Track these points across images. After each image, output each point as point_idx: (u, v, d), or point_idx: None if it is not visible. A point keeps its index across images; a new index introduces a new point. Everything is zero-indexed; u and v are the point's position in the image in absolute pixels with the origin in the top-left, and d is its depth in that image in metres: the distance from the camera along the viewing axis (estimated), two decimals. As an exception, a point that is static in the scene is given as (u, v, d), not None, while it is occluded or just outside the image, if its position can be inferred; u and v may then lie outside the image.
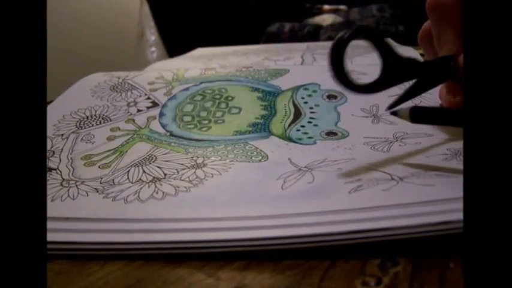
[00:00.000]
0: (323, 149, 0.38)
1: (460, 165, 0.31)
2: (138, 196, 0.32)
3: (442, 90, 0.40)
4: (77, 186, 0.34)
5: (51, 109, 0.45)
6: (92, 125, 0.43)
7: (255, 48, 0.78)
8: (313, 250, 0.27)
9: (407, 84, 0.36)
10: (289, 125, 0.42)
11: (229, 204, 0.31)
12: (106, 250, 0.28)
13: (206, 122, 0.43)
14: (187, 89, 0.48)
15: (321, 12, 1.64)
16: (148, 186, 0.33)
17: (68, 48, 1.10)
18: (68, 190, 0.34)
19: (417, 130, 0.39)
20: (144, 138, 0.41)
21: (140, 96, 0.47)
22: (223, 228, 0.28)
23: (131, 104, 0.46)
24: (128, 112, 0.45)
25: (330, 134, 0.40)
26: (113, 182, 0.35)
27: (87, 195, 0.33)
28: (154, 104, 0.46)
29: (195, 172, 0.35)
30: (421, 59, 0.45)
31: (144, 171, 0.36)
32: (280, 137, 0.40)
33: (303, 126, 0.41)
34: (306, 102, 0.44)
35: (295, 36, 1.39)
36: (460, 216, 0.22)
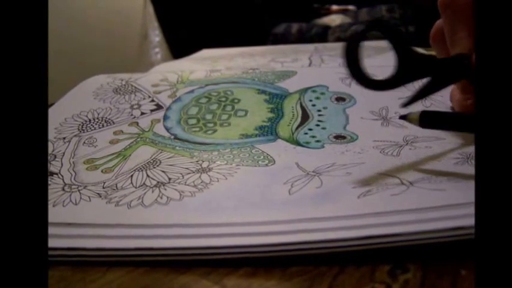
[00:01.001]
0: (331, 153, 0.37)
1: (472, 170, 0.31)
2: (142, 201, 0.32)
3: (454, 91, 0.40)
4: (79, 191, 0.33)
5: (52, 112, 0.45)
6: (95, 128, 0.42)
7: (262, 49, 0.78)
8: (321, 256, 0.26)
9: (416, 86, 0.35)
10: (296, 128, 0.41)
11: (235, 210, 0.30)
12: (109, 256, 0.27)
13: (211, 125, 0.42)
14: (192, 91, 0.47)
15: (329, 12, 1.63)
16: (152, 191, 0.33)
17: (70, 49, 1.10)
18: (70, 195, 0.33)
19: (428, 133, 0.38)
20: (147, 142, 0.40)
21: (144, 98, 0.47)
22: (229, 234, 0.27)
23: (135, 106, 0.45)
24: (132, 115, 0.44)
25: (339, 137, 0.39)
26: (116, 186, 0.34)
27: (90, 200, 0.32)
28: (159, 107, 0.45)
29: (200, 177, 0.34)
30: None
31: (148, 176, 0.35)
32: (287, 140, 0.39)
33: (310, 130, 0.41)
34: (314, 105, 0.44)
35: (302, 37, 1.38)
36: (472, 222, 0.22)
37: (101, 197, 0.33)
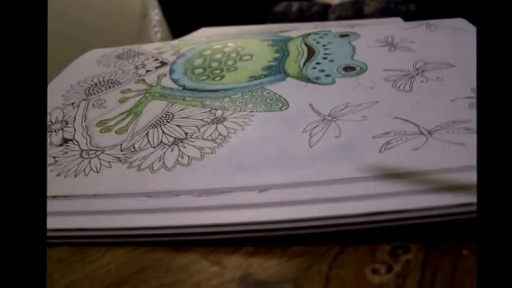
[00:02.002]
0: (343, 90, 0.36)
1: None
2: (164, 163, 0.31)
3: None
4: (97, 156, 0.33)
5: (57, 82, 0.44)
6: (102, 90, 0.42)
7: (262, 28, 0.77)
8: (322, 236, 0.26)
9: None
10: (304, 64, 0.40)
11: (257, 169, 0.29)
12: (111, 237, 0.27)
13: (218, 71, 0.42)
14: (194, 48, 0.47)
15: (329, -9, 1.62)
16: (172, 150, 0.32)
17: (70, 28, 1.09)
18: (90, 162, 0.33)
19: (437, 59, 0.37)
20: (157, 96, 0.39)
21: (148, 59, 0.46)
22: (246, 204, 0.27)
23: (139, 66, 0.45)
24: (137, 74, 0.44)
25: (348, 69, 0.39)
26: (134, 147, 0.33)
27: (111, 166, 0.32)
28: (163, 63, 0.45)
29: (216, 128, 0.34)
30: None
31: (163, 132, 0.34)
32: (297, 77, 0.39)
33: (318, 64, 0.40)
34: (318, 42, 0.43)
35: (302, 16, 1.37)
36: None
37: (120, 161, 0.32)
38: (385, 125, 0.31)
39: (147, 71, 0.44)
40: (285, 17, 1.20)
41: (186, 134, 0.34)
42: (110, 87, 0.42)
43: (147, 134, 0.35)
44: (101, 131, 0.36)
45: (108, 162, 0.32)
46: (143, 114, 0.37)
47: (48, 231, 0.27)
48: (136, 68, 0.45)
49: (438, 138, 0.29)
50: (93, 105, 0.40)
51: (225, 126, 0.34)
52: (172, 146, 0.33)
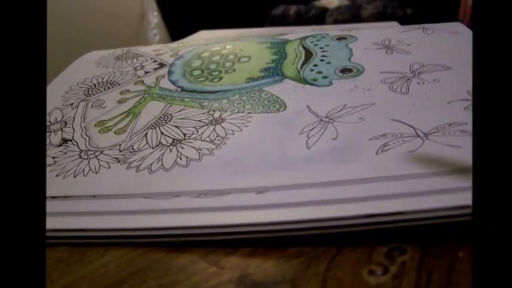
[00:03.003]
0: (340, 92, 0.36)
1: None
2: (162, 164, 0.31)
3: None
4: (96, 157, 0.33)
5: (56, 83, 0.45)
6: (101, 91, 0.42)
7: (260, 31, 0.77)
8: (319, 237, 0.26)
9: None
10: (301, 66, 0.41)
11: (257, 170, 0.29)
12: (110, 237, 0.28)
13: (216, 73, 0.42)
14: (193, 49, 0.48)
15: (327, -6, 1.62)
16: (170, 151, 0.32)
17: (68, 30, 1.09)
18: (89, 162, 0.33)
19: (433, 61, 0.38)
20: (155, 97, 0.40)
21: (146, 60, 0.46)
22: (246, 206, 0.27)
23: (138, 68, 0.45)
24: (136, 75, 0.44)
25: (345, 71, 0.39)
26: (133, 148, 0.34)
27: (109, 166, 0.32)
28: (162, 65, 0.45)
29: (214, 129, 0.34)
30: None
31: (162, 133, 0.35)
32: (294, 79, 0.39)
33: (316, 66, 0.40)
34: (315, 45, 0.43)
35: (300, 19, 1.37)
36: None
37: (119, 162, 0.32)
38: (381, 127, 0.31)
39: (146, 72, 0.44)
40: (283, 20, 1.20)
41: (185, 135, 0.34)
42: (108, 88, 0.43)
43: (146, 134, 0.35)
44: (99, 131, 0.36)
45: (107, 162, 0.33)
46: (142, 114, 0.38)
47: (48, 232, 0.27)
48: (135, 69, 0.45)
49: (434, 140, 0.29)
50: (92, 105, 0.40)
51: (223, 128, 0.34)
52: (171, 147, 0.33)
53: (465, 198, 0.24)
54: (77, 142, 0.35)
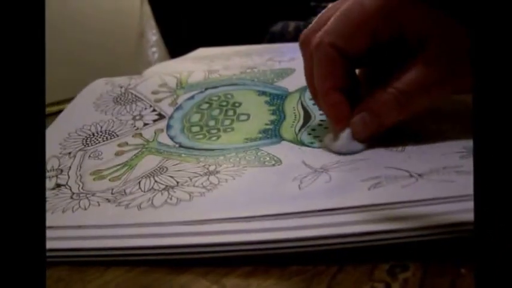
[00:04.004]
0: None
1: None
2: (152, 203, 0.32)
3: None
4: (87, 198, 0.34)
5: (55, 127, 0.45)
6: (99, 142, 0.42)
7: (259, 48, 0.77)
8: (320, 255, 0.26)
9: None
10: (300, 129, 0.41)
11: (247, 205, 0.30)
12: (111, 256, 0.28)
13: (215, 131, 0.42)
14: (192, 97, 0.47)
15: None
16: (162, 194, 0.33)
17: (67, 48, 1.09)
18: (79, 202, 0.33)
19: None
20: (153, 151, 0.40)
21: (145, 108, 0.47)
22: (233, 230, 0.28)
23: (137, 117, 0.45)
24: (135, 126, 0.44)
25: None
26: (125, 192, 0.34)
27: (99, 205, 0.33)
28: (161, 116, 0.45)
29: (208, 178, 0.34)
30: None
31: (155, 181, 0.35)
32: (292, 141, 0.39)
33: (313, 130, 0.41)
34: (314, 104, 0.44)
35: (299, 36, 1.37)
36: None
37: (109, 201, 0.33)
38: (376, 171, 0.31)
39: (145, 124, 0.44)
40: (282, 37, 1.20)
41: (178, 182, 0.34)
42: (107, 138, 0.43)
43: (139, 182, 0.35)
44: (94, 179, 0.37)
45: (97, 202, 0.33)
46: (138, 166, 0.38)
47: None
48: (134, 118, 0.45)
49: (428, 178, 0.30)
50: (89, 156, 0.40)
51: (217, 178, 0.34)
52: (163, 191, 0.33)
53: (465, 217, 0.24)
54: (70, 186, 0.36)
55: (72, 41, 1.13)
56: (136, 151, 0.40)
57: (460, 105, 0.39)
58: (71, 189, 0.35)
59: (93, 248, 0.28)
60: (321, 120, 0.42)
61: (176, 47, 0.97)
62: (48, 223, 0.31)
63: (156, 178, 0.35)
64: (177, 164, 0.38)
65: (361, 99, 0.36)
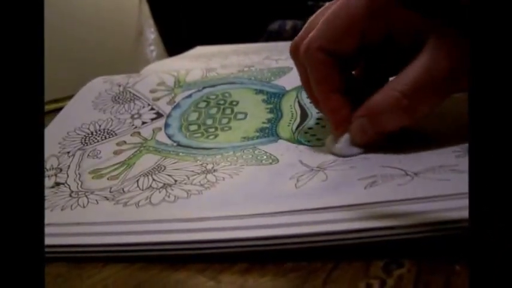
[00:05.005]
0: None
1: None
2: (150, 201, 0.32)
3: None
4: (86, 196, 0.34)
5: (54, 126, 0.45)
6: (98, 141, 0.43)
7: (256, 46, 0.78)
8: (316, 251, 0.26)
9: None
10: (296, 128, 0.41)
11: (244, 203, 0.30)
12: (108, 252, 0.28)
13: (213, 130, 0.43)
14: (190, 95, 0.48)
15: (323, 10, 1.62)
16: (159, 192, 0.33)
17: (66, 46, 1.09)
18: (78, 200, 0.34)
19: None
20: (151, 150, 0.40)
21: (144, 107, 0.47)
22: (230, 227, 0.28)
23: (135, 116, 0.46)
24: (133, 125, 0.44)
25: None
26: (123, 190, 0.34)
27: (97, 203, 0.33)
28: (159, 115, 0.45)
29: (206, 177, 0.35)
30: None
31: (154, 180, 0.35)
32: (289, 140, 0.40)
33: (310, 129, 0.41)
34: (311, 102, 0.44)
35: (296, 35, 1.37)
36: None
37: (108, 199, 0.33)
38: (372, 170, 0.32)
39: (143, 123, 0.45)
40: (279, 36, 1.20)
41: (176, 180, 0.35)
42: (105, 137, 0.43)
43: (137, 180, 0.36)
44: (93, 178, 0.37)
45: (96, 200, 0.34)
46: (136, 165, 0.38)
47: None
48: (132, 117, 0.46)
49: (424, 177, 0.30)
50: (88, 155, 0.41)
51: (215, 176, 0.35)
52: (161, 189, 0.34)
53: (460, 214, 0.25)
54: (69, 185, 0.37)
55: (70, 39, 1.12)
56: (134, 150, 0.41)
57: (456, 105, 0.39)
58: (69, 188, 0.36)
59: (91, 245, 0.29)
60: (318, 119, 0.42)
61: (174, 45, 0.97)
62: (47, 220, 0.31)
63: (154, 176, 0.36)
64: (175, 163, 0.38)
65: (361, 100, 0.36)
